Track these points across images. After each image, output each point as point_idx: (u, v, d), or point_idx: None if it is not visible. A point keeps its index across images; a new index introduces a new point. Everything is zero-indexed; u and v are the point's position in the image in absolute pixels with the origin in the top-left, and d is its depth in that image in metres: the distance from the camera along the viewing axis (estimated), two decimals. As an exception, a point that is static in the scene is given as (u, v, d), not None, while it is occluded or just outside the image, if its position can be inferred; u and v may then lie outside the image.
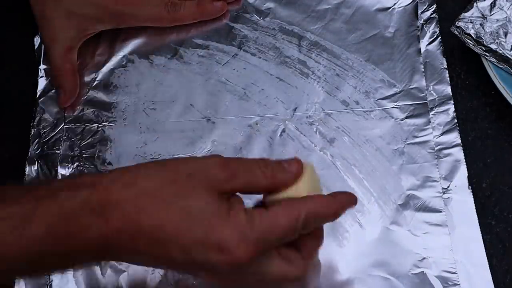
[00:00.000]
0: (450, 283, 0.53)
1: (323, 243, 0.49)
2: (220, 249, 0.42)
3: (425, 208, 0.56)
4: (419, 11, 0.65)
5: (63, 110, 0.63)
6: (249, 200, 0.48)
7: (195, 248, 0.42)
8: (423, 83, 0.61)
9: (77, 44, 0.63)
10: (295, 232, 0.44)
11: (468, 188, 0.56)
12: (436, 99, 0.60)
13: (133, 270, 0.55)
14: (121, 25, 0.64)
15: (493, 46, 0.59)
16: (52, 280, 0.55)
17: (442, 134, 0.59)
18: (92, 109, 0.63)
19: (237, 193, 0.46)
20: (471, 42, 0.60)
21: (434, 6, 0.65)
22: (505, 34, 0.59)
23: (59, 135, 0.62)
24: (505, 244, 0.56)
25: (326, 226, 0.53)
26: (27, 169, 0.60)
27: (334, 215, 0.47)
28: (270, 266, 0.44)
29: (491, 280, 0.53)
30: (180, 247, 0.42)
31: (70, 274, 0.55)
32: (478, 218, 0.55)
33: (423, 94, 0.61)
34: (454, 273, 0.53)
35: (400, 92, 0.61)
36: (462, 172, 0.57)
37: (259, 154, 0.59)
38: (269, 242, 0.43)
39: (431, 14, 0.64)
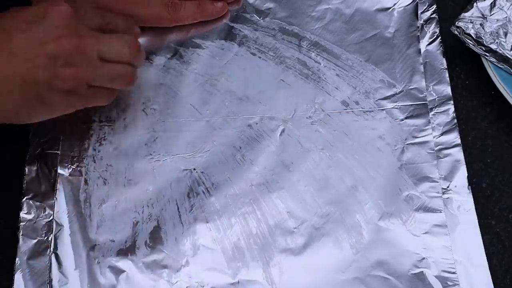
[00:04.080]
0: (449, 283, 0.53)
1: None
2: None
3: (425, 208, 0.56)
4: (419, 11, 0.65)
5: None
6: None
7: None
8: (423, 83, 0.61)
9: None
10: None
11: (468, 188, 0.56)
12: (436, 99, 0.61)
13: (133, 271, 0.55)
14: (121, 25, 0.65)
15: (493, 46, 0.59)
16: (51, 280, 0.55)
17: (442, 134, 0.59)
18: (92, 109, 0.63)
19: None
20: (471, 42, 0.60)
21: (434, 6, 0.65)
22: (505, 34, 0.59)
23: (59, 135, 0.62)
24: (505, 244, 0.56)
25: (326, 227, 0.53)
26: (26, 169, 0.60)
27: None
28: None
29: (491, 280, 0.53)
30: None
31: (70, 274, 0.55)
32: (478, 218, 0.55)
33: (423, 95, 0.61)
34: (454, 273, 0.53)
35: (400, 92, 0.61)
36: (462, 172, 0.57)
37: (259, 154, 0.59)
38: None
39: (431, 14, 0.64)
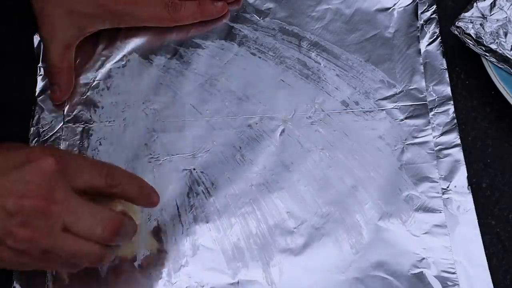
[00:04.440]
0: (449, 283, 0.53)
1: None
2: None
3: (425, 209, 0.56)
4: (419, 12, 0.65)
5: (61, 109, 0.63)
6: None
7: None
8: (423, 83, 0.61)
9: (75, 42, 0.63)
10: None
11: (468, 188, 0.56)
12: (436, 99, 0.61)
13: (133, 270, 0.55)
14: (121, 24, 0.64)
15: (493, 46, 0.59)
16: (51, 280, 0.55)
17: (442, 134, 0.59)
18: (92, 109, 0.63)
19: None
20: (471, 42, 0.60)
21: (434, 6, 0.65)
22: (505, 34, 0.59)
23: (58, 134, 0.62)
24: (505, 244, 0.56)
25: (326, 227, 0.53)
26: (26, 168, 0.60)
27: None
28: None
29: (491, 281, 0.53)
30: None
31: (69, 274, 0.55)
32: (478, 218, 0.55)
33: (423, 95, 0.61)
34: (454, 273, 0.53)
35: (399, 92, 0.61)
36: (462, 173, 0.57)
37: (259, 154, 0.59)
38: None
39: (431, 14, 0.64)
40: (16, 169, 0.45)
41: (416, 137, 0.59)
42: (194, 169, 0.59)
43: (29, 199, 0.45)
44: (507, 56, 0.58)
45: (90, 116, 0.63)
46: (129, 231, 0.50)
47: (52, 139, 0.62)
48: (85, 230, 0.46)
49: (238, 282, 0.54)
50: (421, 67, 0.62)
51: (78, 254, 0.47)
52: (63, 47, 0.62)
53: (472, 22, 0.60)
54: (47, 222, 0.45)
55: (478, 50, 0.60)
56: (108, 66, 0.65)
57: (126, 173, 0.53)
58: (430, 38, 0.63)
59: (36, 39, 0.66)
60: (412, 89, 0.61)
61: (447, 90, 0.61)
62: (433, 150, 0.58)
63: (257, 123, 0.61)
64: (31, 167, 0.45)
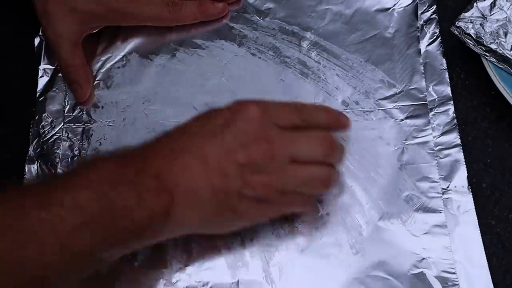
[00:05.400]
0: (449, 283, 0.53)
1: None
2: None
3: (425, 209, 0.56)
4: (419, 12, 0.65)
5: (81, 106, 0.63)
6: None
7: None
8: (423, 83, 0.61)
9: (81, 38, 0.63)
10: None
11: (468, 188, 0.56)
12: (436, 99, 0.60)
13: (133, 271, 0.55)
14: (122, 23, 0.64)
15: (493, 46, 0.59)
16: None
17: (442, 134, 0.59)
18: (92, 109, 0.63)
19: None
20: (471, 42, 0.60)
21: (434, 6, 0.65)
22: (505, 34, 0.59)
23: (59, 134, 0.62)
24: (505, 244, 0.56)
25: (326, 227, 0.53)
26: (26, 168, 0.60)
27: None
28: None
29: (491, 281, 0.53)
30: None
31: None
32: (478, 218, 0.55)
33: (423, 95, 0.61)
34: (454, 273, 0.53)
35: (400, 92, 0.61)
36: (462, 173, 0.57)
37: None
38: None
39: (431, 14, 0.64)
40: (228, 127, 0.48)
41: (416, 137, 0.59)
42: (194, 169, 0.59)
43: (253, 147, 0.48)
44: (507, 56, 0.58)
45: (90, 116, 0.63)
46: (341, 146, 0.53)
47: (52, 139, 0.62)
48: (308, 154, 0.50)
49: (238, 282, 0.54)
50: (421, 67, 0.62)
51: (310, 179, 0.50)
52: (71, 45, 0.62)
53: (472, 22, 0.60)
54: (275, 161, 0.49)
55: (478, 50, 0.60)
56: (108, 66, 0.65)
57: (311, 104, 0.57)
58: (430, 38, 0.63)
59: (37, 40, 0.66)
60: (412, 89, 0.61)
61: (447, 90, 0.61)
62: (433, 150, 0.58)
63: (257, 123, 0.61)
64: (241, 119, 0.49)
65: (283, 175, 0.49)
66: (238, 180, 0.48)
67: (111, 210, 0.45)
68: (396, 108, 0.60)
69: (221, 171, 0.48)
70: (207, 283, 0.54)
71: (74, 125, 0.62)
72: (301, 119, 0.51)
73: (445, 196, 0.56)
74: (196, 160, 0.48)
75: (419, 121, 0.60)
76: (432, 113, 0.60)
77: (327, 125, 0.53)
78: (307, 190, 0.52)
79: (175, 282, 0.55)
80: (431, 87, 0.61)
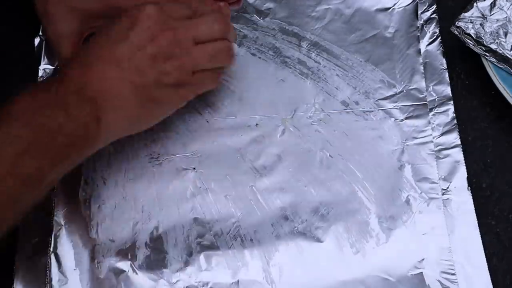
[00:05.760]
0: (449, 283, 0.53)
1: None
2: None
3: (425, 209, 0.56)
4: (419, 12, 0.65)
5: None
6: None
7: None
8: (423, 83, 0.61)
9: (81, 39, 0.63)
10: None
11: (468, 189, 0.56)
12: (436, 99, 0.60)
13: (133, 271, 0.55)
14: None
15: (493, 46, 0.59)
16: (51, 279, 0.55)
17: (442, 134, 0.59)
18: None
19: None
20: (471, 42, 0.60)
21: (434, 6, 0.65)
22: (505, 34, 0.59)
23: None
24: (505, 244, 0.56)
25: (326, 227, 0.53)
26: None
27: None
28: None
29: (490, 281, 0.53)
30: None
31: (69, 274, 0.55)
32: (478, 218, 0.55)
33: (423, 95, 0.61)
34: (453, 274, 0.53)
35: (399, 92, 0.61)
36: (462, 173, 0.57)
37: (259, 155, 0.59)
38: None
39: (431, 14, 0.64)
40: (134, 25, 0.52)
41: (416, 138, 0.59)
42: (194, 168, 0.59)
43: (159, 37, 0.52)
44: (507, 56, 0.58)
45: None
46: (231, 24, 0.58)
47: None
48: (208, 33, 0.55)
49: (238, 282, 0.54)
50: (421, 67, 0.62)
51: (215, 53, 0.55)
52: (72, 44, 0.62)
53: (472, 22, 0.60)
54: (181, 45, 0.53)
55: (478, 50, 0.60)
56: (108, 66, 0.65)
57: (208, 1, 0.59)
58: (430, 38, 0.63)
59: (36, 40, 0.66)
60: (412, 89, 0.61)
61: (447, 90, 0.61)
62: (433, 150, 0.58)
63: (257, 123, 0.61)
64: (143, 17, 0.53)
65: (192, 56, 0.54)
66: (153, 71, 0.52)
67: (45, 132, 0.48)
68: (396, 108, 0.60)
69: (136, 68, 0.52)
70: (207, 283, 0.54)
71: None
72: (192, 11, 0.56)
73: (445, 196, 0.56)
74: (111, 65, 0.51)
75: (419, 121, 0.60)
76: (432, 113, 0.60)
77: (213, 13, 0.57)
78: (215, 64, 0.56)
79: (175, 282, 0.55)
80: (431, 87, 0.61)
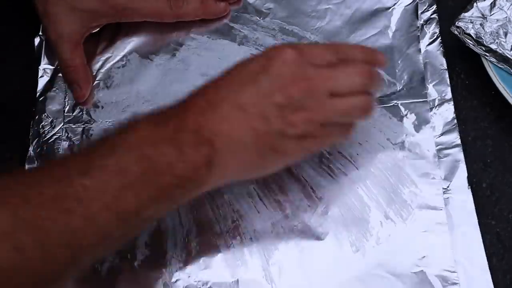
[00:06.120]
0: (449, 282, 0.53)
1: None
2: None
3: (425, 206, 0.56)
4: (419, 12, 0.65)
5: (81, 106, 0.63)
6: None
7: None
8: (423, 83, 0.61)
9: (81, 39, 0.63)
10: None
11: (468, 188, 0.56)
12: (436, 99, 0.60)
13: (133, 270, 0.55)
14: (123, 19, 0.64)
15: (493, 46, 0.59)
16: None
17: (442, 134, 0.59)
18: (92, 109, 0.63)
19: None
20: (471, 42, 0.60)
21: (434, 6, 0.65)
22: (505, 34, 0.59)
23: (59, 134, 0.62)
24: (505, 244, 0.55)
25: (326, 225, 0.53)
26: (26, 168, 0.60)
27: None
28: None
29: (491, 280, 0.53)
30: None
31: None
32: (478, 218, 0.55)
33: (423, 93, 0.61)
34: (454, 272, 0.53)
35: (400, 90, 0.61)
36: (462, 173, 0.57)
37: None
38: None
39: (431, 14, 0.64)
40: (264, 72, 0.48)
41: (417, 135, 0.59)
42: (194, 168, 0.59)
43: (291, 86, 0.48)
44: (507, 56, 0.58)
45: (90, 116, 0.63)
46: (378, 73, 0.53)
47: (52, 139, 0.62)
48: (346, 86, 0.50)
49: (237, 281, 0.54)
50: (421, 67, 0.62)
51: (350, 108, 0.51)
52: (71, 44, 0.62)
53: (472, 22, 0.60)
54: (314, 97, 0.49)
55: (478, 50, 0.60)
56: (108, 66, 0.65)
57: (345, 43, 0.59)
58: (430, 38, 0.63)
59: (36, 40, 0.66)
60: (412, 88, 0.61)
61: (447, 90, 0.61)
62: (434, 148, 0.58)
63: (257, 123, 0.61)
64: (278, 61, 0.49)
65: (323, 109, 0.49)
66: (279, 120, 0.48)
67: (153, 168, 0.45)
68: (397, 105, 0.60)
69: (261, 114, 0.48)
70: (207, 282, 0.54)
71: (74, 125, 0.62)
72: (336, 57, 0.51)
73: (445, 196, 0.56)
74: (234, 108, 0.48)
75: (419, 120, 0.59)
76: (432, 113, 0.60)
77: (363, 61, 0.53)
78: (347, 120, 0.53)
79: (175, 282, 0.55)
80: (431, 87, 0.61)
